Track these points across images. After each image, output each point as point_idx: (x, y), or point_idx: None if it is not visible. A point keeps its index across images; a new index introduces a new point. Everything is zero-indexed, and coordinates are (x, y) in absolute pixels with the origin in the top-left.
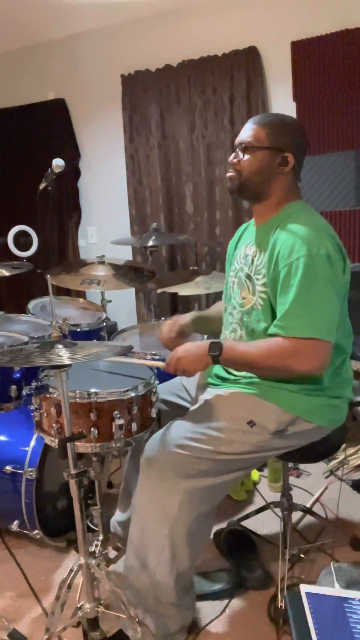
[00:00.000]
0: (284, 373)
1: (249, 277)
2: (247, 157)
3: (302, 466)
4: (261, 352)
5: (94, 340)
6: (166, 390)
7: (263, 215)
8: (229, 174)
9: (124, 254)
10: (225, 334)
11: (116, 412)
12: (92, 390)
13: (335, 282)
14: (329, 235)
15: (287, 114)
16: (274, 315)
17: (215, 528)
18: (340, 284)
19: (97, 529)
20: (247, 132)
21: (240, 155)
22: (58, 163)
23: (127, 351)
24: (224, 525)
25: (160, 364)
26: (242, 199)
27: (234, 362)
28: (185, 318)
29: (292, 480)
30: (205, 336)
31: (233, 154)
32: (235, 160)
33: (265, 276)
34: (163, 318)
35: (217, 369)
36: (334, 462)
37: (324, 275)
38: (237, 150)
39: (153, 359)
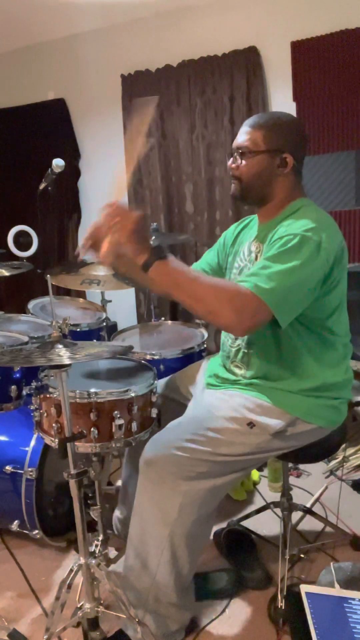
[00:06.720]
0: (209, 311)
1: None
2: (245, 162)
3: (302, 466)
4: (210, 282)
5: (94, 340)
6: (164, 386)
7: (267, 215)
8: (232, 181)
9: None
10: None
11: (116, 412)
12: (92, 390)
13: (314, 271)
14: (331, 230)
15: (284, 112)
16: None
17: (215, 528)
18: (316, 275)
19: (97, 529)
20: (243, 135)
21: (239, 160)
22: (58, 163)
23: (127, 351)
24: (224, 525)
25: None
26: (246, 204)
27: (169, 274)
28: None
29: (292, 480)
30: None
31: (231, 159)
32: (234, 166)
33: None
34: (163, 318)
35: (217, 369)
36: (334, 462)
37: (305, 259)
38: (235, 155)
39: None
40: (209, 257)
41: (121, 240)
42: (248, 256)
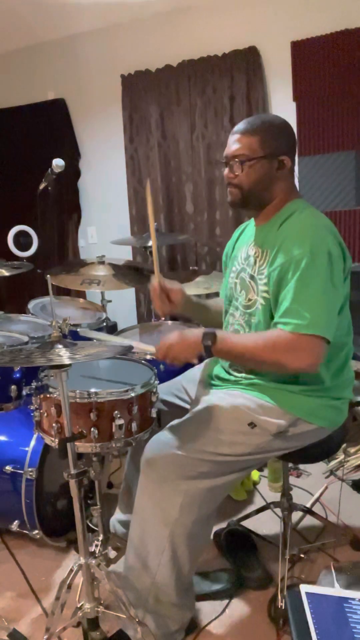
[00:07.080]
0: (277, 367)
1: (252, 277)
2: (244, 170)
3: (302, 466)
4: (257, 345)
5: (94, 340)
6: (166, 391)
7: (265, 217)
8: (229, 189)
9: (124, 254)
10: None
11: (116, 412)
12: (92, 390)
13: (335, 280)
14: (332, 234)
15: (268, 114)
16: (272, 316)
17: (215, 528)
18: (339, 282)
19: (97, 529)
20: (236, 144)
21: (237, 169)
22: (58, 163)
23: (127, 351)
24: (224, 525)
25: (151, 349)
26: (245, 210)
27: (228, 353)
28: (184, 291)
29: (292, 480)
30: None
31: (227, 169)
32: (232, 175)
33: (267, 276)
34: (163, 318)
35: (218, 370)
36: (334, 462)
37: (325, 273)
38: (232, 164)
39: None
40: (225, 277)
41: (180, 363)
42: (245, 260)
